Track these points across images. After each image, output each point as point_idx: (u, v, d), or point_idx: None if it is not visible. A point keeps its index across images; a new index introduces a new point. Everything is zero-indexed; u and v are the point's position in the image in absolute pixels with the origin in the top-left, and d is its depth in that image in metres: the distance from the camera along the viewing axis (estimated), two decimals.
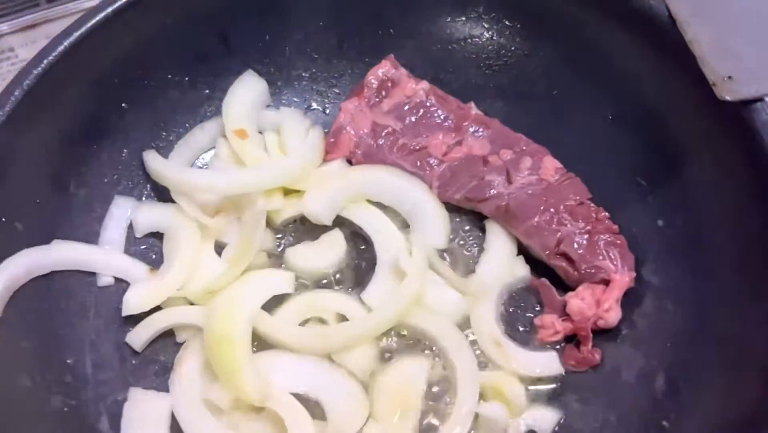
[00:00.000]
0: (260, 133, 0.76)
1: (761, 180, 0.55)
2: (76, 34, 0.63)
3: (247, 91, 0.75)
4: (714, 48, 0.57)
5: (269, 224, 0.71)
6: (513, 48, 0.77)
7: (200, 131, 0.75)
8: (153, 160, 0.70)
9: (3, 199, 0.59)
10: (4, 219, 0.59)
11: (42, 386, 0.57)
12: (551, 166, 0.70)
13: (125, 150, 0.71)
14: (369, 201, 0.72)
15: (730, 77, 0.56)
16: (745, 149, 0.56)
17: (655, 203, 0.66)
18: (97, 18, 0.64)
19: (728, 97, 0.55)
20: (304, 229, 0.72)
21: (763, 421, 0.44)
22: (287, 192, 0.71)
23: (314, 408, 0.60)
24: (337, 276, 0.70)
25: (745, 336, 0.52)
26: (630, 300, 0.64)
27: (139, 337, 0.63)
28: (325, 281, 0.69)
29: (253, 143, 0.73)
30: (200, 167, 0.75)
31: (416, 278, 0.64)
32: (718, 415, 0.50)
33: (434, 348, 0.64)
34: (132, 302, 0.64)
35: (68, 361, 0.61)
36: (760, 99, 0.55)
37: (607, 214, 0.68)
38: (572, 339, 0.65)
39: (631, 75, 0.68)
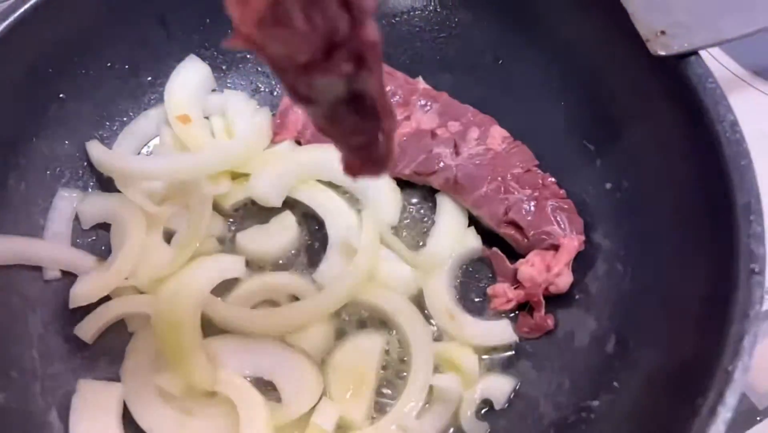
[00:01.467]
0: (206, 118, 0.75)
1: (699, 135, 0.54)
2: (6, 22, 0.62)
3: (189, 77, 0.74)
4: (645, 2, 0.57)
5: (218, 209, 0.70)
6: (457, 19, 0.77)
7: (144, 119, 0.74)
8: (96, 150, 0.69)
9: None
10: None
11: None
12: (498, 135, 0.70)
13: (66, 141, 0.70)
14: (319, 181, 0.71)
15: (662, 32, 0.55)
16: (682, 105, 0.55)
17: (602, 167, 0.66)
18: (28, 5, 0.62)
19: (661, 52, 0.55)
20: (255, 212, 0.71)
21: (700, 370, 0.44)
22: (235, 176, 0.71)
23: (268, 390, 0.60)
24: (290, 258, 0.69)
25: (685, 291, 0.52)
26: (582, 264, 0.65)
27: (88, 328, 0.63)
28: (278, 264, 0.69)
29: (197, 128, 0.72)
30: (146, 156, 0.74)
31: (367, 253, 0.64)
32: (662, 369, 0.51)
33: (389, 324, 0.64)
34: (79, 294, 0.63)
35: (14, 355, 0.60)
36: (694, 53, 0.55)
37: (553, 180, 0.68)
38: (525, 307, 0.65)
39: (573, 39, 0.67)
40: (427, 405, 0.60)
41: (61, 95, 0.68)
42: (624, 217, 0.63)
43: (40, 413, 0.58)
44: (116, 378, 0.61)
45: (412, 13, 0.77)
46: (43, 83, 0.67)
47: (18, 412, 0.57)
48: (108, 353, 0.64)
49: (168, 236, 0.68)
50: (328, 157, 0.70)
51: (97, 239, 0.69)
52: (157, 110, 0.74)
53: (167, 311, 0.60)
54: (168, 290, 0.62)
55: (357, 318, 0.65)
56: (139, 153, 0.74)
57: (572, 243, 0.64)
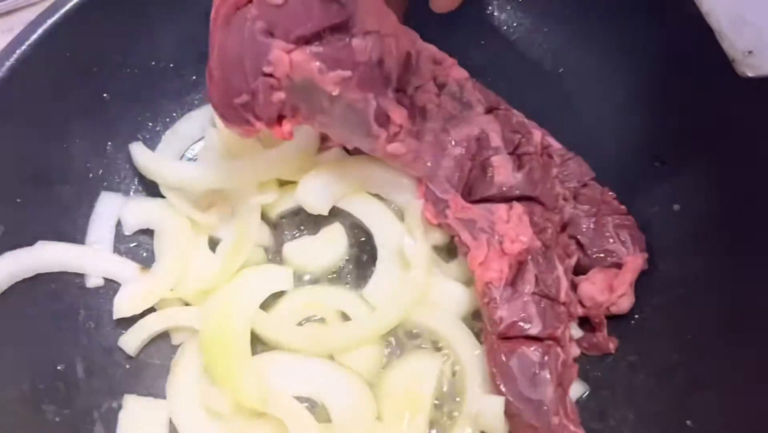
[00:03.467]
0: None
1: None
2: (50, 21, 0.59)
3: None
4: (733, 21, 0.53)
5: (265, 217, 0.67)
6: (515, 24, 0.73)
7: (188, 121, 0.71)
8: (139, 153, 0.66)
9: None
10: None
11: (32, 396, 0.54)
12: (553, 146, 0.67)
13: (109, 143, 0.67)
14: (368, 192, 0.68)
15: (750, 52, 0.52)
16: None
17: (671, 186, 0.63)
18: (72, 3, 0.60)
19: (749, 74, 0.52)
20: (302, 222, 0.68)
21: None
22: (282, 183, 0.68)
23: (318, 411, 0.58)
24: (338, 271, 0.67)
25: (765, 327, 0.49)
26: (642, 287, 0.62)
27: (132, 341, 0.61)
28: (322, 277, 0.66)
29: None
30: (190, 159, 0.72)
31: (421, 272, 0.61)
32: (741, 410, 0.48)
33: (441, 345, 0.62)
34: (123, 305, 0.61)
35: (59, 368, 0.58)
36: None
37: (613, 194, 0.65)
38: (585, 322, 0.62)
39: (646, 51, 0.65)
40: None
41: (104, 95, 0.66)
42: (694, 242, 0.60)
43: (85, 427, 0.56)
44: (160, 393, 0.60)
45: (466, 17, 0.74)
46: (87, 82, 0.64)
47: (64, 426, 0.55)
48: (152, 366, 0.62)
49: (212, 244, 0.66)
50: (377, 169, 0.67)
51: (139, 245, 0.67)
52: (201, 111, 0.72)
53: (215, 327, 0.58)
54: (216, 303, 0.60)
55: (409, 339, 0.62)
56: (182, 156, 0.71)
57: (636, 262, 0.61)
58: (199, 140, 0.72)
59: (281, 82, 0.56)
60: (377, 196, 0.68)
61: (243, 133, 0.59)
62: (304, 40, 0.55)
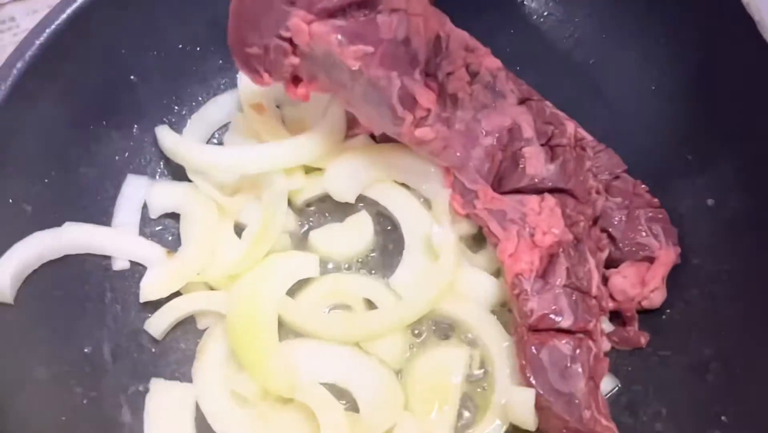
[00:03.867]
0: (278, 107, 0.71)
1: None
2: (77, 3, 0.59)
3: None
4: None
5: (290, 204, 0.67)
6: (546, 13, 0.72)
7: (214, 105, 0.71)
8: (166, 136, 0.66)
9: (10, 179, 0.55)
10: (11, 200, 0.56)
11: (60, 377, 0.54)
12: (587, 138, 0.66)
13: (136, 126, 0.67)
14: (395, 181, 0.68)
15: None
16: None
17: (704, 181, 0.62)
18: None
19: None
20: (328, 209, 0.68)
21: None
22: (308, 170, 0.67)
23: (344, 398, 0.57)
24: (363, 259, 0.66)
25: None
26: (674, 282, 0.61)
27: (158, 324, 0.60)
28: (348, 265, 0.66)
29: (271, 118, 0.68)
30: (215, 143, 0.71)
31: (450, 260, 0.61)
32: None
33: (468, 336, 0.61)
34: (150, 288, 0.60)
35: (86, 350, 0.58)
36: None
37: (645, 186, 0.64)
38: (616, 316, 0.61)
39: (680, 41, 0.64)
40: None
41: (132, 77, 0.66)
42: (727, 237, 0.59)
43: (113, 410, 0.56)
44: (186, 376, 0.59)
45: (496, 5, 0.73)
46: (115, 65, 0.64)
47: (92, 408, 0.55)
48: (177, 350, 0.62)
49: (237, 230, 0.66)
50: (404, 157, 0.67)
51: (165, 228, 0.67)
52: (227, 96, 0.71)
53: (243, 312, 0.58)
54: (243, 289, 0.59)
55: (436, 329, 0.62)
56: (208, 140, 0.71)
57: (669, 256, 0.60)
58: (225, 125, 0.71)
59: (298, 48, 0.58)
60: (404, 185, 0.68)
61: (254, 81, 0.61)
62: (327, 13, 0.56)
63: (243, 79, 0.69)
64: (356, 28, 0.56)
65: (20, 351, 0.52)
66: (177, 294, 0.61)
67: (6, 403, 0.48)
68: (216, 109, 0.71)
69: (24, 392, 0.51)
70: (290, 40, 0.56)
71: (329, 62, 0.58)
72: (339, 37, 0.55)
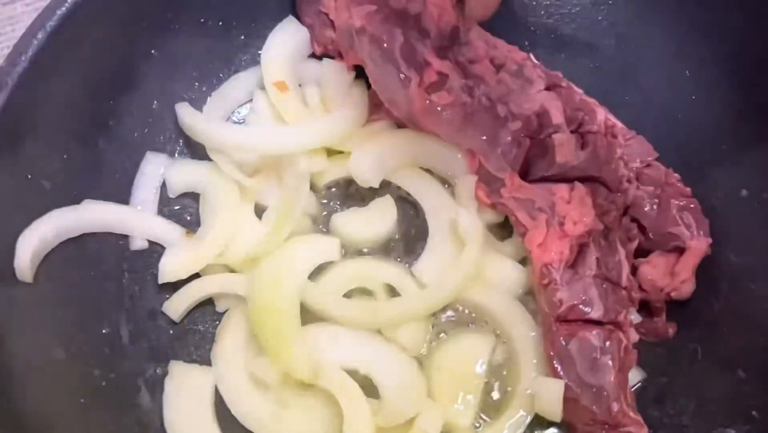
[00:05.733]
0: (299, 86, 0.70)
1: None
2: None
3: (287, 41, 0.68)
4: None
5: (312, 186, 0.65)
6: None
7: (236, 83, 0.69)
8: (186, 114, 0.64)
9: (28, 154, 0.54)
10: (30, 176, 0.54)
11: (78, 359, 0.53)
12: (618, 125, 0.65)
13: (156, 102, 0.65)
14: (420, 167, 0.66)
15: None
16: None
17: (738, 171, 0.60)
18: None
19: None
20: (350, 193, 0.66)
21: None
22: (331, 153, 0.66)
23: (365, 385, 0.56)
24: (385, 244, 0.65)
25: None
26: (704, 274, 0.59)
27: (176, 306, 0.59)
28: (370, 250, 0.65)
29: (294, 98, 0.67)
30: (236, 122, 0.70)
31: (476, 247, 0.59)
32: None
33: (489, 322, 0.60)
34: (169, 269, 0.59)
35: (104, 331, 0.57)
36: None
37: (677, 175, 0.62)
38: (644, 307, 0.60)
39: (715, 26, 0.61)
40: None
41: (152, 51, 0.64)
42: (761, 230, 0.58)
43: (131, 392, 0.55)
44: (204, 359, 0.58)
45: None
46: (136, 37, 0.62)
47: (111, 390, 0.54)
48: (195, 332, 0.61)
49: (258, 211, 0.64)
50: (429, 142, 0.65)
51: (183, 208, 0.65)
52: (249, 74, 0.69)
53: (265, 295, 0.57)
54: (264, 272, 0.58)
55: (459, 316, 0.61)
56: (228, 118, 0.69)
57: (700, 246, 0.59)
58: (245, 103, 0.70)
59: (335, 23, 0.63)
60: (428, 171, 0.66)
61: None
62: None
63: (267, 55, 0.67)
64: None
65: (39, 331, 0.51)
66: (196, 276, 0.60)
67: (25, 383, 0.47)
68: (237, 87, 0.69)
69: (42, 373, 0.50)
70: (327, 15, 0.60)
71: (348, 35, 0.61)
72: (352, 6, 0.60)
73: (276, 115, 0.67)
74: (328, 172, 0.65)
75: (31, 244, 0.52)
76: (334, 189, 0.67)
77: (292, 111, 0.66)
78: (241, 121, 0.69)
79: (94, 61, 0.59)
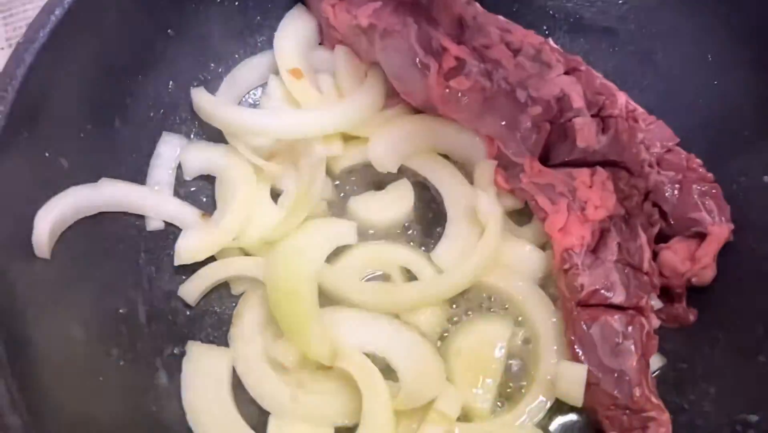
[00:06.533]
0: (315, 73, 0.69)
1: None
2: None
3: (299, 28, 0.68)
4: None
5: (328, 171, 0.64)
6: None
7: (249, 66, 0.68)
8: (202, 99, 0.63)
9: (46, 132, 0.53)
10: (47, 153, 0.53)
11: (97, 338, 0.53)
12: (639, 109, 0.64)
13: (171, 82, 0.64)
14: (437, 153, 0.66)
15: None
16: None
17: (761, 157, 0.59)
18: None
19: None
20: (366, 178, 0.66)
21: None
22: (347, 138, 0.65)
23: (381, 368, 0.56)
24: (402, 228, 0.64)
25: None
26: (725, 260, 0.59)
27: (192, 290, 0.59)
28: (386, 233, 0.64)
29: (309, 85, 0.66)
30: (251, 104, 0.69)
31: (495, 232, 0.59)
32: None
33: (508, 306, 0.59)
34: (185, 252, 0.59)
35: (121, 311, 0.56)
36: None
37: (699, 161, 0.62)
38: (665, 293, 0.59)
39: (741, 11, 0.60)
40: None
41: (169, 30, 0.63)
42: None
43: (148, 372, 0.55)
44: (220, 340, 0.58)
45: None
46: (153, 16, 0.61)
47: (129, 370, 0.53)
48: (212, 313, 0.60)
49: (273, 195, 0.64)
50: (447, 128, 0.64)
51: (198, 189, 0.65)
52: (263, 57, 0.69)
53: (283, 278, 0.56)
54: (282, 254, 0.57)
55: (477, 300, 0.60)
56: (241, 101, 0.68)
57: (722, 232, 0.58)
58: (257, 86, 0.69)
59: (338, 28, 0.63)
60: (446, 157, 0.66)
61: None
62: None
63: (280, 43, 0.67)
64: None
65: (58, 309, 0.51)
66: (211, 258, 0.60)
67: (45, 360, 0.47)
68: (250, 70, 0.68)
69: (62, 351, 0.49)
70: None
71: (354, 36, 0.62)
72: (352, 9, 0.61)
73: (290, 99, 0.66)
74: (345, 158, 0.65)
75: (49, 220, 0.52)
76: (350, 175, 0.66)
77: (307, 98, 0.65)
78: (256, 103, 0.69)
79: (111, 40, 0.58)
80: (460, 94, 0.60)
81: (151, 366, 0.55)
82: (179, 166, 0.64)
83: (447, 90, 0.60)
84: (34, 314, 0.47)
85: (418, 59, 0.59)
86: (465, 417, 0.55)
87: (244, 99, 0.69)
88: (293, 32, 0.68)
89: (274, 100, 0.67)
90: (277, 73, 0.67)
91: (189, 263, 0.59)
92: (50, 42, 0.52)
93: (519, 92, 0.61)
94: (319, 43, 0.70)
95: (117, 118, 0.60)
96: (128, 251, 0.59)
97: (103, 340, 0.53)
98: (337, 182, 0.66)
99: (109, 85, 0.59)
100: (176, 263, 0.59)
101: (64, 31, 0.53)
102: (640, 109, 0.64)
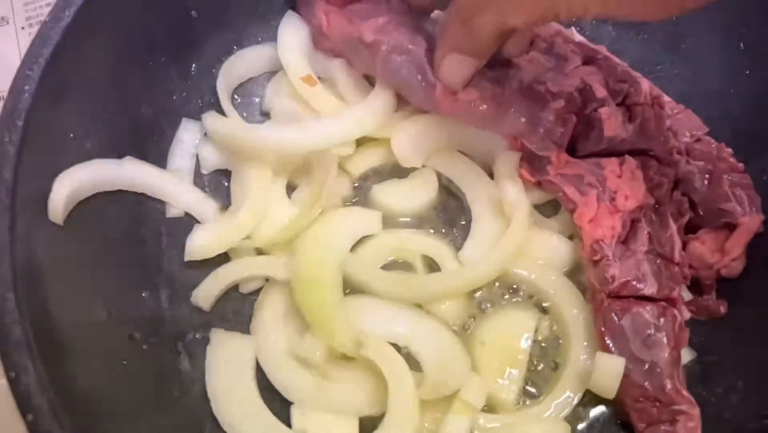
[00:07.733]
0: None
1: None
2: None
3: (300, 34, 0.66)
4: None
5: (345, 171, 0.63)
6: None
7: (241, 59, 0.66)
8: (216, 123, 0.60)
9: (71, 113, 0.52)
10: (72, 135, 0.53)
11: (120, 321, 0.52)
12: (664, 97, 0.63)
13: (194, 65, 0.64)
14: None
15: None
16: None
17: None
18: None
19: None
20: (385, 176, 0.64)
21: None
22: (362, 140, 0.63)
23: (405, 358, 0.55)
24: (425, 217, 0.63)
25: None
26: (755, 251, 0.58)
27: (207, 294, 0.57)
28: (408, 220, 0.63)
29: (324, 91, 0.64)
30: (250, 105, 0.67)
31: (522, 223, 0.57)
32: None
33: (534, 297, 0.59)
34: (197, 247, 0.57)
35: (143, 294, 0.56)
36: None
37: (729, 150, 0.61)
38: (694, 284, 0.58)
39: None
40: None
41: (192, 12, 0.62)
42: None
43: (171, 356, 0.55)
44: (241, 326, 0.57)
45: None
46: None
47: (152, 355, 0.53)
48: (234, 298, 0.59)
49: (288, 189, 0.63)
50: (463, 126, 0.62)
51: (219, 179, 0.64)
52: (253, 51, 0.67)
53: (308, 267, 0.55)
54: (306, 244, 0.56)
55: (503, 291, 0.59)
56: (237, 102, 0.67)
57: (753, 223, 0.57)
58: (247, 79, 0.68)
59: (331, 37, 0.62)
60: (466, 154, 0.64)
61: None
62: (344, 2, 0.61)
63: (285, 52, 0.65)
64: (368, 7, 0.60)
65: (82, 291, 0.50)
66: (223, 256, 0.58)
67: (70, 342, 0.46)
68: (242, 63, 0.66)
69: (86, 334, 0.48)
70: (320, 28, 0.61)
71: (351, 47, 0.61)
72: (352, 20, 0.60)
73: (297, 98, 0.64)
74: (364, 160, 0.64)
75: (68, 185, 0.50)
76: (368, 173, 0.64)
77: (327, 105, 0.63)
78: (257, 103, 0.68)
79: (135, 21, 0.57)
80: (472, 105, 0.58)
81: (174, 351, 0.55)
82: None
83: (455, 103, 0.58)
84: (59, 295, 0.47)
85: (426, 77, 0.57)
86: (490, 408, 0.54)
87: (245, 100, 0.68)
88: (296, 37, 0.66)
89: (284, 102, 0.65)
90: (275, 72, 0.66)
91: (199, 259, 0.57)
92: (76, 21, 0.51)
93: (537, 87, 0.59)
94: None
95: (141, 103, 0.59)
96: (150, 234, 0.58)
97: (126, 323, 0.53)
98: (357, 182, 0.64)
99: (132, 67, 0.58)
100: (187, 258, 0.57)
101: (88, 12, 0.52)
102: (666, 97, 0.63)
